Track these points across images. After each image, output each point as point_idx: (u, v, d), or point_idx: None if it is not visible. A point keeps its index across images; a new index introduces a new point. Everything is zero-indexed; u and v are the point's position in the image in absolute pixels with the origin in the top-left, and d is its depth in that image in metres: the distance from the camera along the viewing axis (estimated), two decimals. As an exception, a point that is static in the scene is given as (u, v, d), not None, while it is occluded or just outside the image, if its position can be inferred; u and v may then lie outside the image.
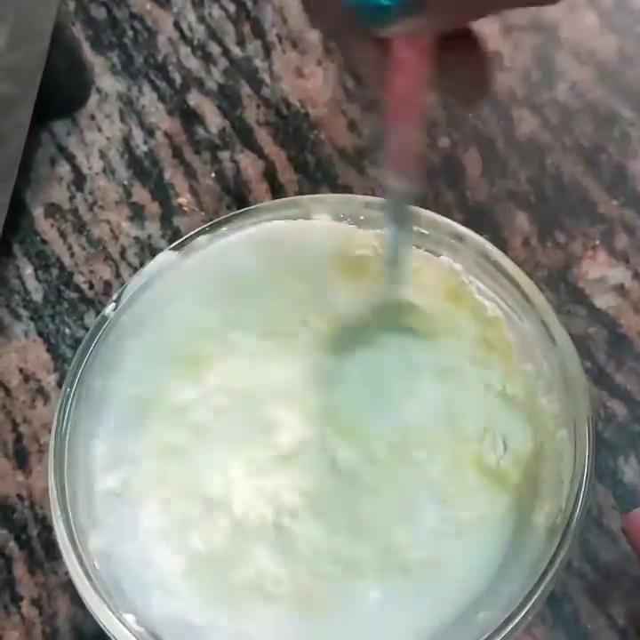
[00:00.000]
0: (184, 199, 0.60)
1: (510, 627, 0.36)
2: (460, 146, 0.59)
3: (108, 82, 0.65)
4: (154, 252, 0.57)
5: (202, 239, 0.47)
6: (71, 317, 0.57)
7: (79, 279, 0.58)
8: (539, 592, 0.36)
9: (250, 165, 0.61)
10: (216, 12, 0.67)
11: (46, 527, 0.50)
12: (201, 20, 0.67)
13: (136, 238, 0.59)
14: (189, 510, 0.44)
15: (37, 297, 0.58)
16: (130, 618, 0.39)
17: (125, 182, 0.61)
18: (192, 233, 0.47)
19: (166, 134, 0.63)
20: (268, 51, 0.65)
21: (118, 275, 0.58)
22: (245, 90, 0.64)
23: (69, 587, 0.48)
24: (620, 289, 0.54)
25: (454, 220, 0.46)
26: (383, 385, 0.45)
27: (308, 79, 0.63)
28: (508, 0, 0.33)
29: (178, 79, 0.65)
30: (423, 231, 0.46)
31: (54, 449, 0.42)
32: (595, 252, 0.55)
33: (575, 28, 0.63)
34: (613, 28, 0.63)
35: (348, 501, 0.43)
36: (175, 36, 0.67)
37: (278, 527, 0.42)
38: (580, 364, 0.41)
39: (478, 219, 0.56)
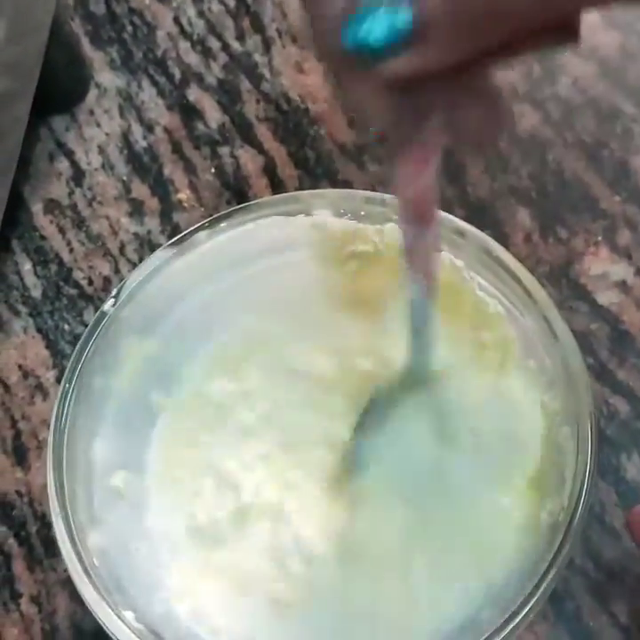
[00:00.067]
0: (184, 195, 0.60)
1: (512, 625, 0.36)
2: (462, 141, 0.59)
3: (107, 77, 0.65)
4: (153, 248, 0.57)
5: (201, 235, 0.47)
6: (70, 313, 0.57)
7: (78, 275, 0.58)
8: (541, 590, 0.36)
9: (250, 161, 0.60)
10: (215, 6, 0.67)
11: (45, 524, 0.50)
12: (200, 14, 0.67)
13: (135, 234, 0.59)
14: (193, 510, 0.44)
15: (36, 293, 0.58)
16: (129, 615, 0.39)
17: (125, 178, 0.61)
18: (191, 228, 0.47)
19: (166, 129, 0.62)
20: (267, 46, 0.65)
21: (117, 270, 0.58)
22: (245, 85, 0.63)
23: (69, 584, 0.47)
24: (623, 285, 0.53)
25: (455, 215, 0.46)
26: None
27: (308, 74, 0.63)
28: (518, 38, 0.29)
29: (177, 74, 0.65)
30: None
31: (53, 445, 0.41)
32: (597, 247, 0.55)
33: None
34: (616, 24, 0.62)
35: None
36: (174, 30, 0.66)
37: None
38: (583, 361, 0.41)
39: (479, 214, 0.56)
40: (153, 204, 0.60)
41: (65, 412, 0.42)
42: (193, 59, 0.65)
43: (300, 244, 0.47)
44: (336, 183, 0.58)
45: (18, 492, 0.51)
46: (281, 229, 0.47)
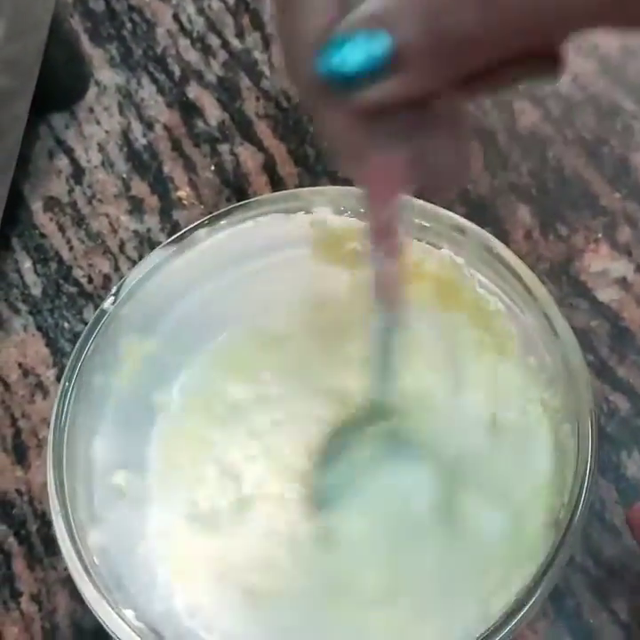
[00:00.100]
0: (183, 192, 0.60)
1: (513, 622, 0.36)
2: (462, 138, 0.59)
3: (106, 74, 0.65)
4: (153, 246, 0.57)
5: (201, 232, 0.47)
6: (70, 311, 0.57)
7: (78, 273, 0.58)
8: (541, 587, 0.36)
9: (249, 158, 0.60)
10: (215, 4, 0.67)
11: (45, 522, 0.50)
12: (200, 12, 0.67)
13: (135, 232, 0.59)
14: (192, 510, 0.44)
15: (36, 291, 0.58)
16: (129, 613, 0.39)
17: (124, 175, 0.61)
18: (191, 226, 0.47)
19: (165, 127, 0.62)
20: (267, 43, 0.65)
21: (117, 268, 0.58)
22: (245, 82, 0.63)
23: (69, 582, 0.47)
24: (623, 282, 0.53)
25: (456, 213, 0.46)
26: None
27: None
28: (499, 67, 0.28)
29: (177, 72, 0.65)
30: (424, 224, 0.46)
31: (53, 443, 0.41)
32: (597, 244, 0.55)
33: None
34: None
35: None
36: (174, 28, 0.66)
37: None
38: (583, 358, 0.41)
39: (480, 212, 0.56)
40: (153, 201, 0.60)
41: (65, 410, 0.42)
42: (193, 56, 0.65)
43: (300, 241, 0.47)
44: (336, 180, 0.58)
45: (18, 491, 0.51)
46: (281, 227, 0.47)
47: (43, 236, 0.59)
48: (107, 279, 0.57)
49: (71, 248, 0.59)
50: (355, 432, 0.44)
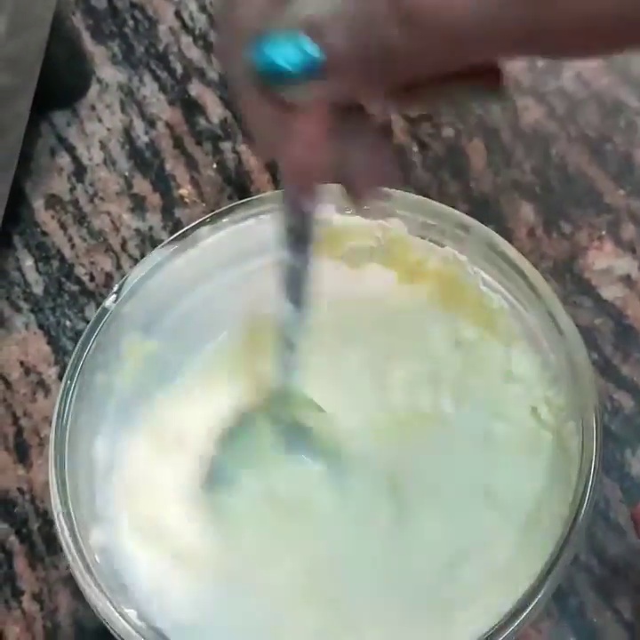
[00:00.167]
0: (185, 190, 0.60)
1: (517, 621, 0.36)
2: (465, 136, 0.59)
3: (108, 72, 0.65)
4: (155, 244, 0.57)
5: (203, 230, 0.46)
6: (72, 310, 0.57)
7: (80, 271, 0.58)
8: (545, 587, 0.36)
9: (251, 156, 0.60)
10: (217, 1, 0.67)
11: (47, 521, 0.50)
12: (202, 9, 0.67)
13: (137, 230, 0.59)
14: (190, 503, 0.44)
15: (38, 289, 0.57)
16: (131, 613, 0.39)
17: (126, 173, 0.61)
18: (193, 224, 0.47)
19: (167, 125, 0.62)
20: (269, 40, 0.64)
21: (119, 266, 0.57)
22: (247, 80, 0.63)
23: (70, 581, 0.47)
24: (627, 280, 0.53)
25: (459, 210, 0.46)
26: None
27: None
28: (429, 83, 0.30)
29: (179, 69, 0.64)
30: (427, 221, 0.46)
31: (55, 442, 0.41)
32: (601, 242, 0.54)
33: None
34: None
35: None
36: (176, 25, 0.66)
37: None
38: (588, 356, 0.41)
39: (483, 209, 0.56)
40: (154, 199, 0.60)
41: (67, 409, 0.42)
42: (195, 53, 0.65)
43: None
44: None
45: (19, 490, 0.51)
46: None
47: (44, 233, 0.59)
48: (108, 277, 0.57)
49: (73, 246, 0.59)
50: (266, 420, 0.44)
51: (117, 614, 0.38)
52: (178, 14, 0.67)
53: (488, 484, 0.42)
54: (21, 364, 0.55)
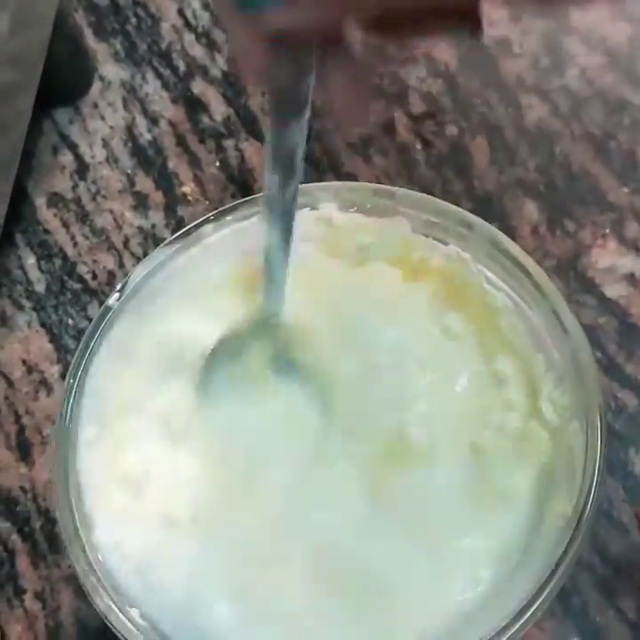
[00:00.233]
0: (188, 188, 0.60)
1: (521, 621, 0.36)
2: (468, 134, 0.59)
3: (110, 69, 0.65)
4: (157, 242, 0.57)
5: (206, 228, 0.46)
6: (74, 308, 0.56)
7: (82, 269, 0.58)
8: (550, 587, 0.36)
9: (255, 154, 0.60)
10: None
11: (49, 519, 0.50)
12: (205, 6, 0.66)
13: (139, 228, 0.59)
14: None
15: (40, 287, 0.57)
16: (134, 612, 0.39)
17: (129, 171, 0.61)
18: (197, 222, 0.47)
19: (170, 122, 0.62)
20: (272, 38, 0.64)
21: (122, 265, 0.57)
22: (250, 77, 0.63)
23: (73, 580, 0.47)
24: (631, 278, 0.53)
25: (462, 208, 0.46)
26: None
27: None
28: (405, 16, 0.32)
29: (182, 67, 0.64)
30: (431, 219, 0.46)
31: (58, 441, 0.41)
32: (605, 240, 0.54)
33: (585, 14, 0.62)
34: (624, 15, 0.62)
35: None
36: (179, 22, 0.66)
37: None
38: (592, 355, 0.41)
39: (486, 207, 0.56)
40: (157, 197, 0.60)
41: (70, 407, 0.42)
42: (198, 51, 0.65)
43: (306, 237, 0.47)
44: (341, 176, 0.58)
45: (22, 488, 0.51)
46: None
47: (46, 231, 0.59)
48: (111, 275, 0.57)
49: (75, 244, 0.59)
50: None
51: (120, 614, 0.38)
52: (180, 12, 0.66)
53: (490, 482, 0.42)
54: (23, 362, 0.55)
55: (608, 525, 0.47)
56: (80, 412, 0.42)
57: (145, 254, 0.57)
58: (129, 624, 0.38)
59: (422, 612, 0.40)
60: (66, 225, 0.59)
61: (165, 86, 0.64)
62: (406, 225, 0.46)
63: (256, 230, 0.47)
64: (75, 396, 0.42)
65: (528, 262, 0.43)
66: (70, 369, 0.43)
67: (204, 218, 0.47)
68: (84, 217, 0.59)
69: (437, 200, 0.46)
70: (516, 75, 0.60)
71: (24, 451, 0.52)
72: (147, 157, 0.61)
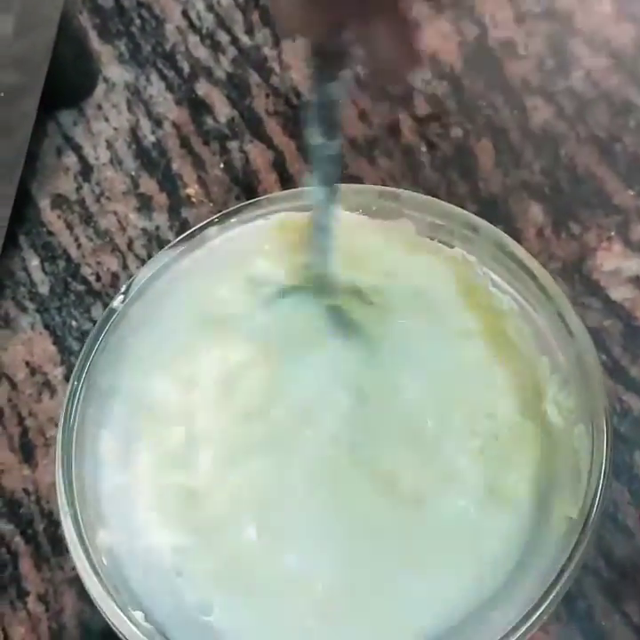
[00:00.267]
0: (192, 190, 0.59)
1: (525, 626, 0.36)
2: (473, 136, 0.58)
3: (115, 71, 0.65)
4: (161, 244, 0.57)
5: (211, 230, 0.46)
6: (78, 310, 0.56)
7: (86, 271, 0.58)
8: (555, 591, 0.36)
9: (259, 155, 0.60)
10: (225, 0, 0.66)
11: (53, 522, 0.50)
12: (209, 8, 0.66)
13: (143, 230, 0.58)
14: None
15: (44, 289, 0.57)
16: (138, 615, 0.38)
17: (133, 173, 0.61)
18: (201, 224, 0.46)
19: (174, 124, 0.62)
20: (277, 39, 0.64)
21: (125, 267, 0.57)
22: (254, 79, 0.63)
23: (76, 582, 0.47)
24: (636, 281, 0.53)
25: (467, 211, 0.45)
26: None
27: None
28: None
29: (186, 68, 0.64)
30: (436, 222, 0.46)
31: (62, 443, 0.41)
32: (610, 243, 0.54)
33: (590, 16, 0.62)
34: (629, 16, 0.62)
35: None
36: (183, 24, 0.66)
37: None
38: (597, 358, 0.41)
39: (491, 210, 0.56)
40: (161, 199, 0.59)
41: (74, 409, 0.42)
42: (202, 53, 0.65)
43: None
44: (346, 178, 0.58)
45: (25, 490, 0.51)
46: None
47: (50, 233, 0.59)
48: (115, 277, 0.57)
49: (79, 246, 0.58)
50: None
51: (123, 616, 0.38)
52: (185, 13, 0.66)
53: (494, 485, 0.42)
54: (27, 364, 0.55)
55: (613, 529, 0.47)
56: (85, 414, 0.42)
57: (149, 256, 0.56)
58: (133, 627, 0.38)
59: (425, 613, 0.40)
60: (70, 227, 0.59)
61: (170, 88, 0.64)
62: (411, 227, 0.46)
63: (260, 233, 0.47)
64: (78, 398, 0.42)
65: (533, 265, 0.43)
66: (74, 371, 0.43)
67: (209, 220, 0.47)
68: (87, 219, 0.59)
69: (442, 202, 0.46)
70: (520, 77, 0.60)
71: (27, 453, 0.52)
72: (151, 159, 0.61)
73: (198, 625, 0.41)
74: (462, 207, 0.46)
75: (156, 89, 0.64)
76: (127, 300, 0.45)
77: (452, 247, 0.45)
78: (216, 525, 0.43)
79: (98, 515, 0.41)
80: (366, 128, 0.60)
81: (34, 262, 0.58)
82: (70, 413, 0.42)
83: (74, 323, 0.56)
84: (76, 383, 0.43)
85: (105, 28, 0.66)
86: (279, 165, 0.59)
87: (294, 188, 0.56)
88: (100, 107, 0.63)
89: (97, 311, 0.56)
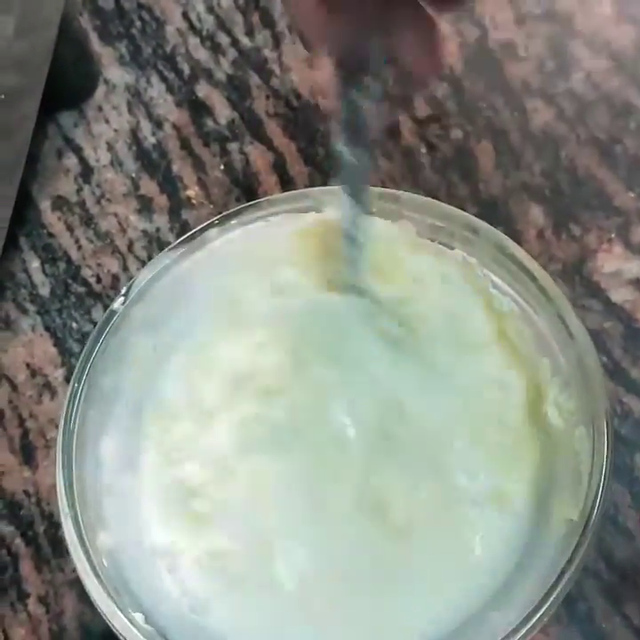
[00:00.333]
0: (192, 192, 0.59)
1: (526, 628, 0.36)
2: (473, 137, 0.58)
3: (115, 73, 0.65)
4: (162, 246, 0.57)
5: (211, 232, 0.46)
6: (78, 311, 0.56)
7: (86, 273, 0.58)
8: (556, 593, 0.36)
9: (259, 157, 0.60)
10: (225, 1, 0.67)
11: (53, 524, 0.50)
12: (210, 10, 0.66)
13: (144, 231, 0.58)
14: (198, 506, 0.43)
15: (44, 291, 0.57)
16: (138, 616, 0.38)
17: (133, 175, 0.61)
18: (202, 226, 0.46)
19: (174, 126, 0.62)
20: (277, 41, 0.64)
21: (126, 268, 0.57)
22: (255, 80, 0.63)
23: (76, 584, 0.47)
24: (637, 283, 0.53)
25: (468, 212, 0.45)
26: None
27: (319, 70, 0.63)
28: None
29: (186, 70, 0.64)
30: (436, 223, 0.46)
31: (62, 445, 0.41)
32: (610, 244, 0.54)
33: (590, 17, 0.62)
34: (629, 18, 0.62)
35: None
36: (184, 26, 0.66)
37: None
38: (598, 360, 0.41)
39: (492, 211, 0.56)
40: (162, 201, 0.59)
41: (74, 411, 0.42)
42: (202, 54, 0.65)
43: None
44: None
45: (25, 492, 0.51)
46: (292, 227, 0.47)
47: (51, 235, 0.59)
48: (115, 279, 0.57)
49: (79, 248, 0.58)
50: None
51: (124, 618, 0.38)
52: (185, 15, 0.66)
53: (495, 487, 0.42)
54: (27, 365, 0.55)
55: (614, 531, 0.47)
56: (85, 416, 0.42)
57: (149, 258, 0.56)
58: (133, 629, 0.38)
59: (425, 616, 0.40)
60: (70, 228, 0.59)
61: (170, 90, 0.63)
62: (411, 229, 0.46)
63: (261, 234, 0.47)
64: (79, 400, 0.42)
65: (534, 267, 0.43)
66: (75, 372, 0.43)
67: (209, 222, 0.47)
68: (88, 220, 0.59)
69: (442, 204, 0.46)
70: (521, 78, 0.60)
71: (28, 454, 0.52)
72: (151, 161, 0.61)
73: (199, 627, 0.41)
74: (462, 209, 0.46)
75: (156, 91, 0.64)
76: (128, 302, 0.45)
77: (452, 249, 0.45)
78: (218, 528, 0.43)
79: (98, 517, 0.41)
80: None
81: (34, 264, 0.58)
82: (71, 415, 0.42)
83: (74, 324, 0.56)
84: (76, 385, 0.43)
85: (105, 30, 0.66)
86: (279, 167, 0.59)
87: (295, 189, 0.57)
88: (100, 108, 0.63)
89: (97, 313, 0.56)
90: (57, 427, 0.42)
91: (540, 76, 0.60)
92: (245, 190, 0.59)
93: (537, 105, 0.59)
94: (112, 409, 0.44)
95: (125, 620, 0.38)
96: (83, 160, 0.62)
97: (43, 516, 0.50)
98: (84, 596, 0.39)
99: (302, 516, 0.42)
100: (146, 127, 0.62)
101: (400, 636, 0.39)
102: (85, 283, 0.57)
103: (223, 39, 0.65)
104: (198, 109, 0.62)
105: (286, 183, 0.59)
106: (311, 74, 0.62)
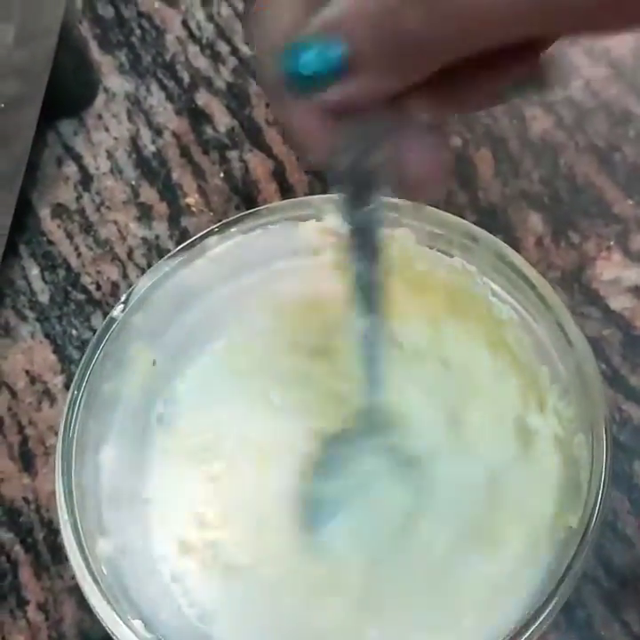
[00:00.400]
0: (192, 199, 0.60)
1: (526, 634, 0.36)
2: (472, 145, 0.59)
3: (115, 81, 0.65)
4: (161, 253, 0.57)
5: (211, 240, 0.46)
6: (78, 319, 0.56)
7: (86, 280, 0.58)
8: (555, 599, 0.36)
9: (259, 165, 0.60)
10: (224, 10, 0.67)
11: (52, 530, 0.50)
12: (209, 18, 0.67)
13: (143, 239, 0.59)
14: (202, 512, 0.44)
15: (44, 298, 0.57)
16: (137, 624, 0.38)
17: (133, 182, 0.61)
18: (201, 234, 0.46)
19: (174, 134, 0.62)
20: (276, 49, 0.64)
21: (125, 276, 0.57)
22: (254, 88, 0.63)
23: (76, 591, 0.47)
24: (635, 290, 0.53)
25: (467, 220, 0.45)
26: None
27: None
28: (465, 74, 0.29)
29: (186, 78, 0.64)
30: (435, 231, 0.45)
31: (62, 452, 0.41)
32: (609, 252, 0.54)
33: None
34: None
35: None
36: (183, 34, 0.66)
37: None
38: (597, 367, 0.41)
39: (491, 219, 0.56)
40: (161, 208, 0.60)
41: (74, 418, 0.42)
42: (202, 63, 0.65)
43: (311, 249, 0.47)
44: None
45: (25, 499, 0.51)
46: (291, 234, 0.47)
47: (50, 242, 0.59)
48: (115, 286, 0.57)
49: (79, 255, 0.59)
50: (350, 445, 0.44)
51: (124, 625, 0.38)
52: (185, 23, 0.67)
53: (495, 494, 0.42)
54: (27, 372, 0.55)
55: (613, 538, 0.47)
56: (85, 423, 0.42)
57: (149, 265, 0.56)
58: (133, 636, 0.38)
59: (424, 623, 0.40)
60: (70, 236, 0.59)
61: (169, 98, 0.64)
62: (411, 237, 0.46)
63: (260, 242, 0.47)
64: (78, 407, 0.42)
65: (532, 274, 0.43)
66: (74, 379, 0.43)
67: (209, 229, 0.47)
68: (87, 228, 0.59)
69: (441, 212, 0.46)
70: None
71: (27, 461, 0.52)
72: (151, 168, 0.61)
73: (198, 634, 0.41)
74: (461, 217, 0.46)
75: (156, 99, 0.64)
76: (127, 309, 0.45)
77: (451, 257, 0.45)
78: (217, 536, 0.43)
79: (98, 523, 0.41)
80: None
81: (34, 271, 0.58)
82: (70, 422, 0.42)
83: (74, 332, 0.56)
84: (76, 392, 0.43)
85: (105, 39, 0.67)
86: (279, 175, 0.59)
87: (294, 197, 0.57)
88: (100, 116, 0.63)
89: (97, 320, 0.56)
90: (56, 434, 0.42)
91: (538, 85, 0.60)
92: (245, 198, 0.59)
93: (536, 113, 0.59)
94: (112, 416, 0.44)
95: (125, 628, 0.38)
96: (82, 168, 0.62)
97: (42, 523, 0.50)
98: (83, 603, 0.39)
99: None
100: (145, 135, 0.62)
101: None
102: (85, 290, 0.57)
103: (223, 47, 0.65)
104: (198, 117, 0.63)
105: (286, 191, 0.59)
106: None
